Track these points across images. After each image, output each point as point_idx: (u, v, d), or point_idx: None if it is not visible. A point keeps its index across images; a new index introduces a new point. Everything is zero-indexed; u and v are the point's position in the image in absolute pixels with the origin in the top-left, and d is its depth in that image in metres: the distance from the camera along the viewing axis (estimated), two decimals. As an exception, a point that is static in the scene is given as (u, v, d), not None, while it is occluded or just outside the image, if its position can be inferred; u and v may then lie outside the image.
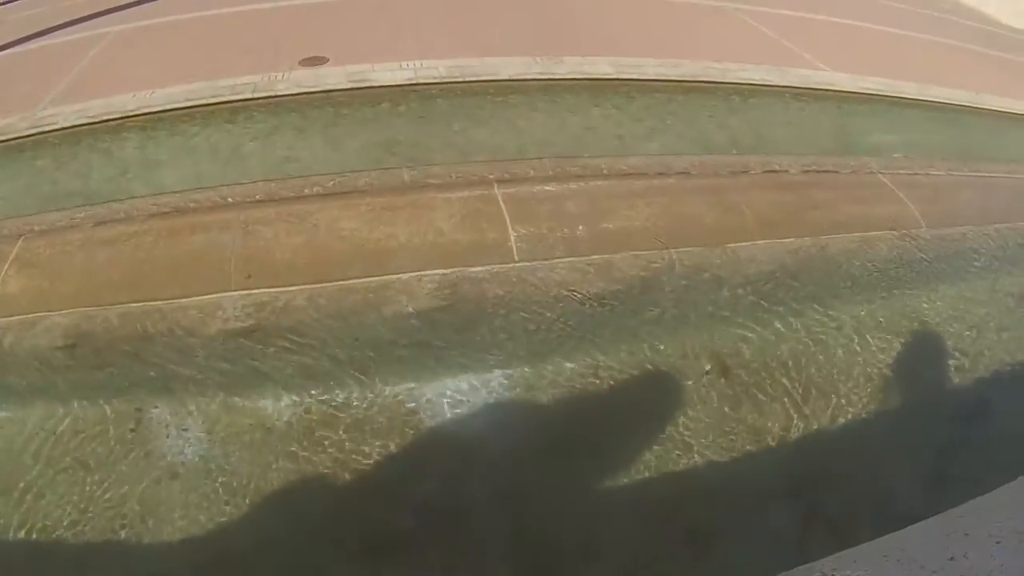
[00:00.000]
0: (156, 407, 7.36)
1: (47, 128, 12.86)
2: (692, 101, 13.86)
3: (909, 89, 17.72)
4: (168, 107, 12.86)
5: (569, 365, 7.80)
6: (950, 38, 29.14)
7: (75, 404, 7.29)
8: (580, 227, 8.49)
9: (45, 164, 11.93)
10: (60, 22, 21.98)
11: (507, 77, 13.45)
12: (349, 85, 13.12)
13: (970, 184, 13.27)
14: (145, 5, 22.11)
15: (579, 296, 8.32)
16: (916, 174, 12.78)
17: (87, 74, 15.74)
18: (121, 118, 12.80)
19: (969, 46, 28.92)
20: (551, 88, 13.32)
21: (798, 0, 28.86)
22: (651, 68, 14.43)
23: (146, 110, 12.88)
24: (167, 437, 7.17)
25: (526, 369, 7.84)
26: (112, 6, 22.71)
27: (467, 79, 13.31)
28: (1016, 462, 5.70)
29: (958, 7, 41.54)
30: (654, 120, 13.29)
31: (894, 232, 10.63)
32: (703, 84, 14.43)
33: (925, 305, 9.96)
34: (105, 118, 12.87)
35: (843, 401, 8.28)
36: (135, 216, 9.07)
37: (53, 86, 14.97)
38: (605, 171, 9.91)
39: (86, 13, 22.46)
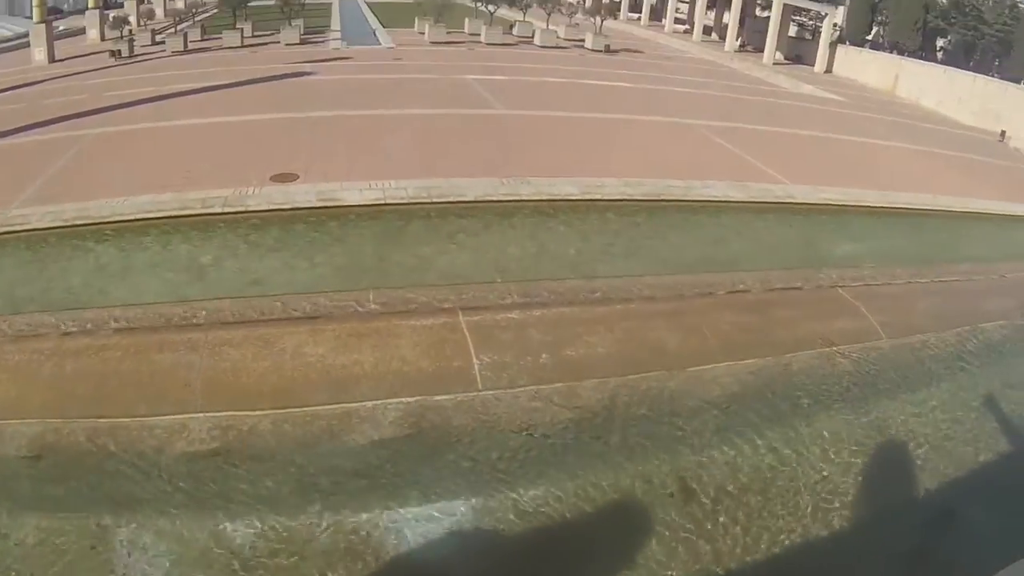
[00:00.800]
0: (118, 525, 7.29)
1: (18, 228, 13.21)
2: (655, 220, 14.30)
3: (871, 197, 18.35)
4: (140, 216, 13.09)
5: (533, 492, 7.81)
6: (911, 142, 30.19)
7: (37, 515, 7.25)
8: (544, 355, 8.64)
9: (14, 264, 12.33)
10: (38, 120, 22.83)
11: (473, 198, 13.95)
12: (318, 203, 13.45)
13: (930, 291, 13.68)
14: (122, 110, 23.06)
15: (543, 424, 8.39)
16: (877, 285, 13.13)
17: (62, 175, 16.19)
18: (94, 224, 13.03)
19: (930, 148, 29.97)
20: (517, 209, 13.71)
21: (759, 114, 30.00)
22: (614, 188, 14.93)
23: (119, 217, 13.10)
24: (128, 555, 7.08)
25: (491, 497, 7.82)
26: (90, 109, 23.53)
27: (434, 200, 13.75)
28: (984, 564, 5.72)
29: (916, 111, 42.99)
30: (618, 240, 13.67)
31: (855, 346, 10.82)
32: (666, 202, 14.91)
33: (888, 415, 10.11)
34: (78, 222, 13.08)
35: (809, 516, 8.30)
36: (103, 328, 9.05)
37: (27, 185, 15.42)
38: (569, 295, 10.08)
39: (65, 113, 23.28)
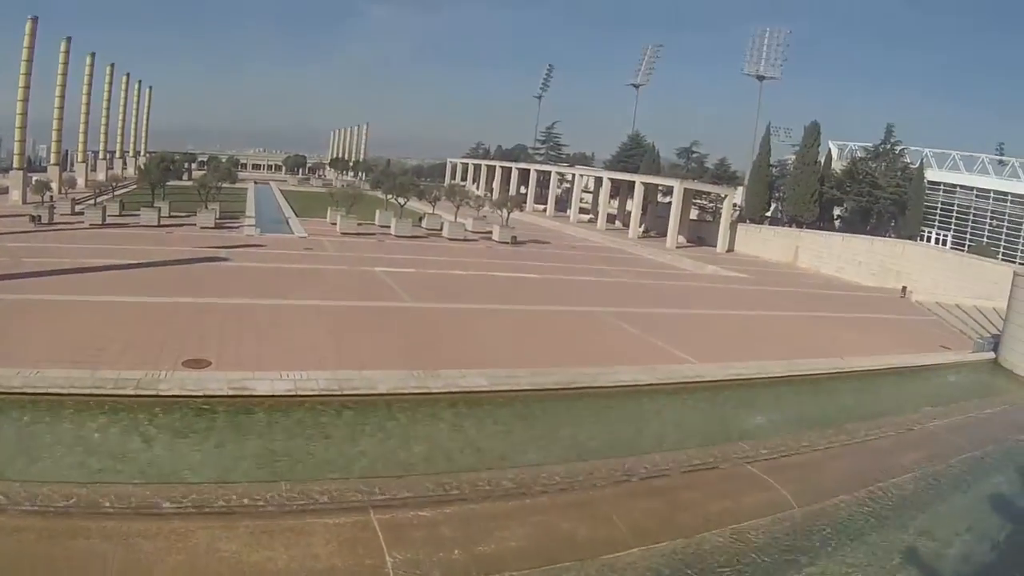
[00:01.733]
0: None
1: None
2: (566, 408, 14.57)
3: (777, 368, 19.13)
4: (52, 391, 12.86)
5: None
6: (813, 309, 31.63)
7: None
8: (456, 551, 8.65)
9: None
10: None
11: (385, 391, 14.21)
12: (230, 391, 13.46)
13: (840, 453, 14.08)
14: (38, 279, 23.34)
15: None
16: (787, 455, 13.46)
17: None
18: (4, 393, 12.78)
19: (833, 313, 31.41)
20: (427, 402, 13.92)
21: (664, 297, 31.32)
22: (524, 378, 15.33)
23: (30, 390, 12.85)
24: None
25: None
26: (6, 273, 23.78)
27: (345, 392, 13.95)
28: None
29: (817, 279, 45.17)
30: (529, 430, 13.93)
31: (765, 519, 10.95)
32: (576, 390, 15.29)
33: (808, 583, 10.14)
34: None
35: None
36: (14, 506, 8.63)
37: None
38: (482, 490, 10.08)
39: None
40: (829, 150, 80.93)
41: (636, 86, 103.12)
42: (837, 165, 77.45)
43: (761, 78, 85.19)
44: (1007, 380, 22.60)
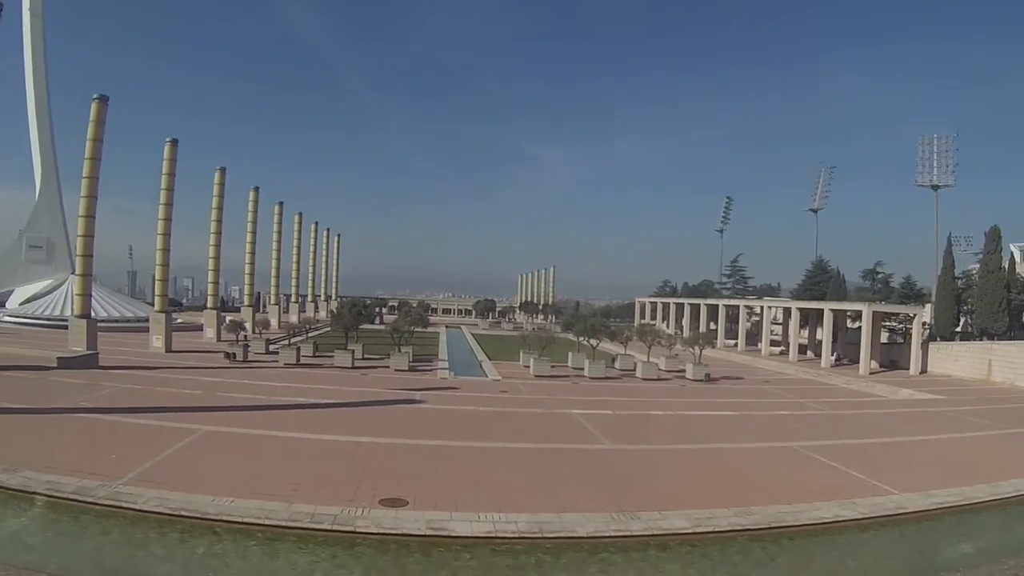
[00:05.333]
0: None
1: (124, 504, 14.28)
2: (769, 550, 14.08)
3: (980, 492, 18.16)
4: (246, 520, 13.77)
5: None
6: (1012, 427, 29.57)
7: None
8: None
9: (112, 541, 13.00)
10: (153, 405, 25.59)
11: (585, 534, 14.36)
12: (427, 532, 13.94)
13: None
14: (233, 412, 25.47)
15: None
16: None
17: (172, 463, 17.57)
18: (197, 518, 13.85)
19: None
20: (628, 546, 14.06)
21: (859, 426, 30.13)
22: (724, 519, 15.19)
23: (225, 517, 13.87)
24: None
25: None
26: (203, 405, 26.31)
27: (545, 535, 14.12)
28: None
29: (1013, 393, 42.09)
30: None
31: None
32: (777, 530, 14.84)
33: None
34: (182, 513, 13.97)
35: None
36: None
37: (137, 464, 16.83)
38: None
39: (179, 404, 26.12)
40: (1012, 254, 76.00)
41: (814, 211, 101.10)
42: (1022, 269, 72.42)
43: (935, 187, 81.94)
44: None
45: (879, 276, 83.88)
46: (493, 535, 13.86)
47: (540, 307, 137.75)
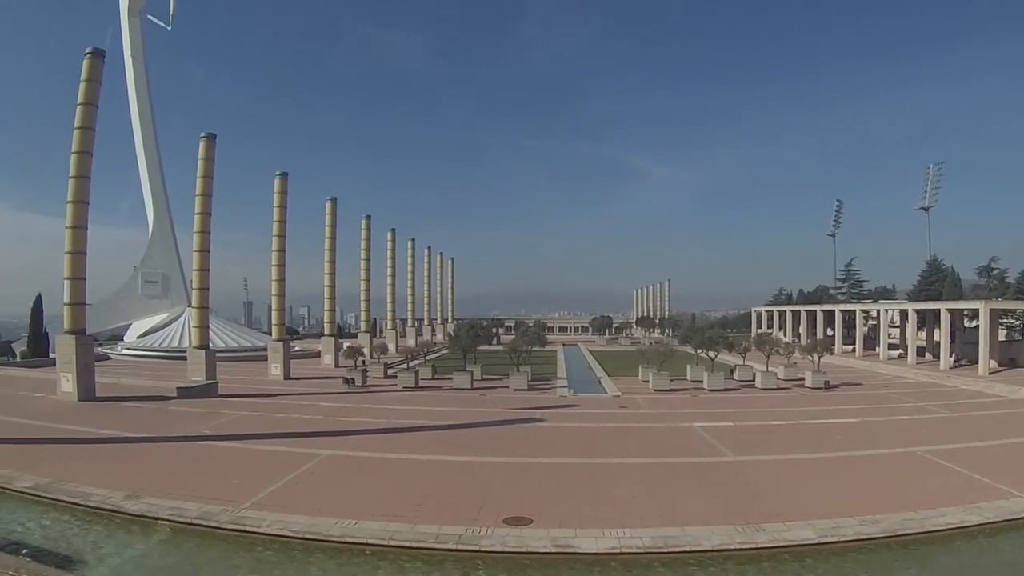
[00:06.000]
0: None
1: (247, 528, 14.63)
2: (895, 558, 13.47)
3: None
4: (370, 541, 13.85)
5: None
6: None
7: None
8: None
9: (236, 564, 13.25)
10: (274, 431, 26.11)
11: (710, 547, 14.12)
12: (553, 549, 13.82)
13: None
14: (353, 436, 25.80)
15: None
16: None
17: (294, 487, 17.88)
18: (321, 540, 14.03)
19: None
20: (754, 558, 13.36)
21: (980, 428, 28.47)
22: (850, 528, 14.58)
23: (349, 539, 14.02)
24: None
25: None
26: (323, 430, 26.60)
27: (670, 549, 13.89)
28: None
29: None
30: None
31: None
32: (903, 537, 14.19)
33: None
34: (306, 536, 14.19)
35: None
36: None
37: (260, 489, 17.28)
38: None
39: (299, 430, 26.53)
40: None
41: (925, 209, 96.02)
42: None
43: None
44: None
45: (994, 272, 79.59)
46: (619, 551, 13.69)
47: (656, 321, 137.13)
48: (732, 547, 13.86)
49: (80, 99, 36.77)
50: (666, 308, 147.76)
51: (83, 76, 37.10)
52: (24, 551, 12.94)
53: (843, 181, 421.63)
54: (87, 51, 37.44)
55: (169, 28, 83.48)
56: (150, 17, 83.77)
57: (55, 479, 18.02)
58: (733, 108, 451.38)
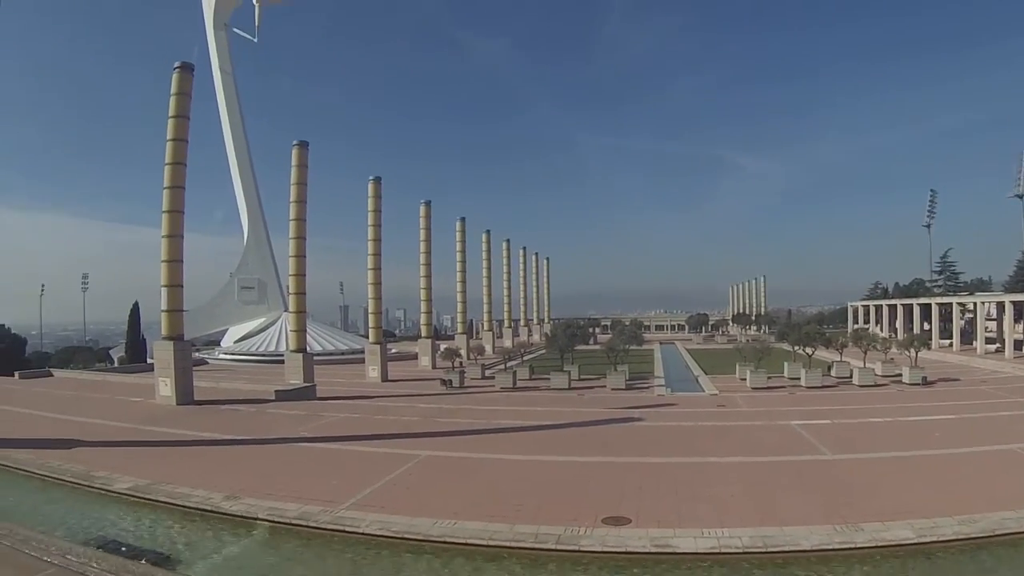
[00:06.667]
0: None
1: (347, 528, 14.71)
2: (993, 558, 12.92)
3: None
4: (471, 541, 13.82)
5: None
6: None
7: None
8: None
9: (340, 565, 13.31)
10: (373, 433, 26.31)
11: (809, 547, 13.68)
12: (652, 549, 13.59)
13: None
14: (452, 437, 25.93)
15: None
16: None
17: (393, 488, 17.96)
18: (421, 540, 14.06)
19: None
20: (851, 557, 13.00)
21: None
22: (949, 528, 13.99)
23: (449, 539, 14.01)
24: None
25: None
26: (422, 431, 26.85)
27: (769, 549, 13.52)
28: None
29: None
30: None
31: None
32: (1002, 537, 13.59)
33: None
34: (405, 535, 14.22)
35: None
36: None
37: (359, 489, 17.36)
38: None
39: (397, 431, 26.77)
40: None
41: (1020, 196, 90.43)
42: None
43: None
44: None
45: (1095, 257, 75.61)
46: (718, 551, 13.38)
47: (752, 318, 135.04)
48: (831, 547, 13.45)
49: (171, 112, 38.15)
50: (762, 304, 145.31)
51: (173, 90, 38.48)
52: (123, 548, 13.32)
53: (934, 171, 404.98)
54: (176, 65, 38.87)
55: (255, 40, 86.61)
56: (236, 30, 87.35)
57: (154, 480, 18.58)
58: (823, 99, 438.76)
